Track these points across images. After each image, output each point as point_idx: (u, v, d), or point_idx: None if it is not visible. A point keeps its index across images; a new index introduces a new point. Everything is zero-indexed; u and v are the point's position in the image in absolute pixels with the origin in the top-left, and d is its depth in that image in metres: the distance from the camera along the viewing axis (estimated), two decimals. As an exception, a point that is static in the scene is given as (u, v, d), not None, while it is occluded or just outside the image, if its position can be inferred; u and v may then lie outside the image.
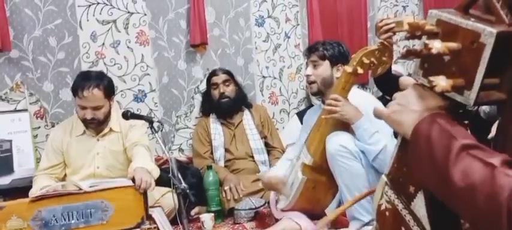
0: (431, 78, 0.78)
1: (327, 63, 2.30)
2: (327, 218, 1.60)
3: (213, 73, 3.19)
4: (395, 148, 0.90)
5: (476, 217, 0.69)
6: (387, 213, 0.91)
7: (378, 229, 0.95)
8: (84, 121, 2.48)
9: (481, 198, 0.67)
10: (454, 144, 0.73)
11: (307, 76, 2.34)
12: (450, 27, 0.79)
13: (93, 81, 2.45)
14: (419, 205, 0.85)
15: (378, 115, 0.90)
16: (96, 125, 2.50)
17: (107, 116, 2.53)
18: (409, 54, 0.83)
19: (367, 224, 1.98)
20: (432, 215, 0.84)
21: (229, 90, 3.14)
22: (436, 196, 0.78)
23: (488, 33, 0.72)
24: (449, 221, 0.85)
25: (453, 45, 0.76)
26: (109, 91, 2.51)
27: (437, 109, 0.81)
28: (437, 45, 0.76)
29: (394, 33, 2.03)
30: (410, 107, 0.83)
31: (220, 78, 3.14)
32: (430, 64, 0.83)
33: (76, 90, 2.44)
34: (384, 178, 0.92)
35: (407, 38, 0.84)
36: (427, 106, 0.82)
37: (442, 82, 0.76)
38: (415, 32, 0.82)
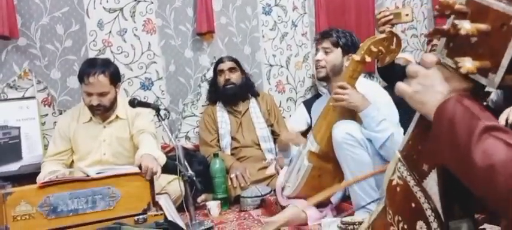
0: (457, 59, 0.77)
1: (339, 50, 2.28)
2: (323, 194, 1.60)
3: (220, 60, 3.20)
4: (412, 125, 0.90)
5: (496, 198, 0.69)
6: (398, 189, 0.92)
7: (386, 204, 0.95)
8: (90, 107, 2.49)
9: (501, 179, 0.67)
10: (477, 125, 0.72)
11: (318, 61, 2.31)
12: (481, 7, 0.77)
13: (98, 67, 2.45)
14: (431, 183, 0.85)
15: (400, 93, 0.88)
16: (102, 112, 2.52)
17: (113, 103, 2.54)
18: (436, 33, 0.82)
19: (370, 203, 1.98)
20: (444, 194, 0.84)
21: (235, 77, 3.14)
22: (456, 175, 0.78)
23: None
24: (460, 200, 0.86)
25: (483, 26, 0.75)
26: (115, 78, 2.52)
27: (461, 91, 0.80)
28: (466, 26, 0.74)
29: (393, 25, 2.05)
30: (434, 88, 0.82)
31: (226, 65, 3.15)
32: (455, 44, 0.82)
33: (82, 76, 2.46)
34: (397, 154, 0.93)
35: (435, 17, 0.83)
36: (451, 87, 0.81)
37: (467, 63, 0.75)
38: (444, 11, 0.80)
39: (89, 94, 2.46)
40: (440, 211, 0.84)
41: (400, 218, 0.91)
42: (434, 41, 2.88)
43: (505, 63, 0.73)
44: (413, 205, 0.88)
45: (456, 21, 0.77)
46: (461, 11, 0.79)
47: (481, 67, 0.75)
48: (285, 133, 2.40)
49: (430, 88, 0.82)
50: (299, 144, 2.35)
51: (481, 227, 0.95)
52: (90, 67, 2.46)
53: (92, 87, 2.44)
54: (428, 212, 0.85)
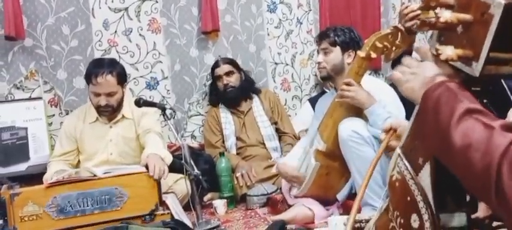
0: (438, 47, 0.81)
1: (337, 49, 2.28)
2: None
3: (215, 65, 3.17)
4: (410, 121, 0.93)
5: (471, 176, 0.70)
6: (397, 184, 0.94)
7: (389, 200, 0.97)
8: (98, 108, 2.50)
9: (476, 156, 0.68)
10: (458, 106, 0.74)
11: (318, 63, 2.32)
12: (465, 0, 0.80)
13: (106, 67, 2.46)
14: (425, 175, 0.87)
15: (394, 80, 0.92)
16: (110, 112, 2.52)
17: (120, 103, 2.54)
18: (423, 26, 0.84)
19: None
20: (435, 185, 0.86)
21: (233, 80, 3.12)
22: (441, 161, 0.79)
23: (497, 4, 0.73)
24: (452, 193, 0.88)
25: (464, 16, 0.78)
26: (122, 77, 2.53)
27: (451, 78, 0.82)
28: (446, 15, 0.78)
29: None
30: (424, 74, 0.85)
31: (222, 69, 3.12)
32: (445, 37, 0.85)
33: (89, 76, 2.46)
34: (397, 150, 0.95)
35: (420, 8, 0.86)
36: (440, 75, 0.83)
37: (448, 51, 0.78)
38: (429, 3, 0.83)
39: (97, 95, 2.47)
40: (431, 203, 0.85)
41: (398, 213, 0.94)
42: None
43: (485, 50, 0.75)
44: (408, 198, 0.90)
45: (437, 11, 0.80)
46: (448, 4, 0.82)
47: (463, 55, 0.78)
48: (282, 167, 2.37)
49: (420, 75, 0.86)
50: (291, 182, 2.32)
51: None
52: (97, 67, 2.47)
53: (100, 87, 2.44)
54: (421, 205, 0.87)
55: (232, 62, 3.18)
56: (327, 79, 2.35)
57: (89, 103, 2.62)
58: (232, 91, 3.10)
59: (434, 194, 0.85)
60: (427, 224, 0.86)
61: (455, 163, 0.73)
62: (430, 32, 0.91)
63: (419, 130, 0.88)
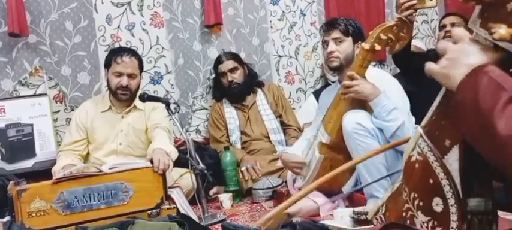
0: (491, 24, 0.76)
1: (350, 39, 2.25)
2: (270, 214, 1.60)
3: (219, 61, 3.14)
4: (436, 101, 0.89)
5: None
6: (417, 165, 0.91)
7: (403, 181, 0.94)
8: (118, 89, 2.53)
9: None
10: (502, 95, 0.71)
11: (330, 53, 2.24)
12: None
13: (129, 51, 2.60)
14: (452, 158, 0.85)
15: (429, 72, 0.87)
16: (127, 97, 2.57)
17: (136, 91, 2.60)
18: (470, 0, 0.80)
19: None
20: (464, 171, 0.83)
21: (237, 76, 3.11)
22: (477, 148, 0.77)
23: None
24: (480, 178, 0.85)
25: None
26: (141, 64, 2.65)
27: (489, 63, 0.79)
28: None
29: (416, 11, 1.96)
30: (460, 61, 0.81)
31: (226, 66, 3.10)
32: (490, 13, 0.80)
33: (112, 58, 2.54)
34: (419, 129, 0.92)
35: None
36: (477, 60, 0.80)
37: (501, 30, 0.75)
38: None
39: (119, 75, 2.52)
40: (459, 187, 0.83)
41: (416, 195, 0.91)
42: (448, 27, 2.85)
43: None
44: (431, 181, 0.87)
45: None
46: None
47: None
48: (285, 156, 2.36)
49: (456, 62, 0.82)
50: (297, 171, 2.32)
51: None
52: (120, 50, 2.59)
53: (124, 66, 2.51)
54: (447, 189, 0.84)
55: (235, 57, 3.16)
56: (338, 69, 2.28)
57: (102, 95, 2.68)
58: (236, 88, 3.10)
59: (462, 178, 0.83)
60: (452, 209, 0.84)
61: (498, 153, 0.71)
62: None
63: (450, 112, 0.84)
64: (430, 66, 0.87)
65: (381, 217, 1.01)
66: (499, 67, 0.78)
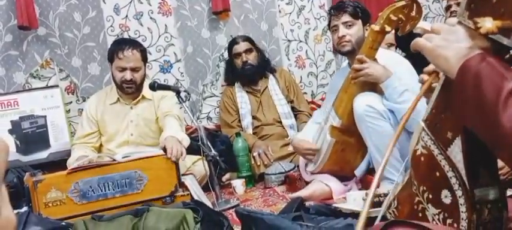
0: (476, 19, 0.75)
1: (359, 22, 2.23)
2: None
3: (234, 42, 3.16)
4: (435, 93, 0.88)
5: None
6: (422, 158, 0.91)
7: (411, 174, 0.95)
8: (123, 83, 2.54)
9: None
10: (505, 85, 0.70)
11: (342, 37, 2.20)
12: None
13: (130, 43, 2.57)
14: (456, 150, 0.84)
15: (419, 47, 0.85)
16: (133, 90, 2.57)
17: (142, 82, 2.60)
18: None
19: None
20: (468, 161, 0.83)
21: (252, 58, 3.11)
22: (479, 136, 0.76)
23: None
24: (485, 167, 0.84)
25: None
26: (144, 54, 2.62)
27: (485, 49, 0.77)
28: None
29: None
30: (457, 42, 0.79)
31: (241, 46, 3.11)
32: (476, 5, 0.79)
33: (114, 52, 2.53)
34: (421, 123, 0.91)
35: None
36: (476, 45, 0.78)
37: (487, 23, 0.74)
38: None
39: (123, 70, 2.51)
40: (465, 178, 0.83)
41: (424, 188, 0.91)
42: (454, 8, 2.81)
43: None
44: (437, 174, 0.87)
45: None
46: None
47: (503, 27, 0.74)
48: (296, 142, 2.36)
49: (453, 43, 0.80)
50: (307, 157, 2.32)
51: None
52: (121, 44, 2.56)
53: (126, 60, 2.50)
54: (453, 181, 0.84)
55: (250, 39, 3.17)
56: (351, 53, 2.26)
57: (110, 86, 2.68)
58: (250, 69, 3.10)
59: (467, 169, 0.82)
60: (461, 201, 0.83)
61: (504, 145, 0.70)
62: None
63: (450, 103, 0.83)
64: (420, 41, 0.85)
65: (394, 211, 1.01)
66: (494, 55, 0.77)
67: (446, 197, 0.86)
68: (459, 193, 0.84)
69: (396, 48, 3.01)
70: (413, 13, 1.94)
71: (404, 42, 2.82)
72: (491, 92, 0.71)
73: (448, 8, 2.89)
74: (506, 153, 0.71)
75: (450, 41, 0.80)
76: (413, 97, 2.06)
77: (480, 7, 0.78)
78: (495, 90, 0.70)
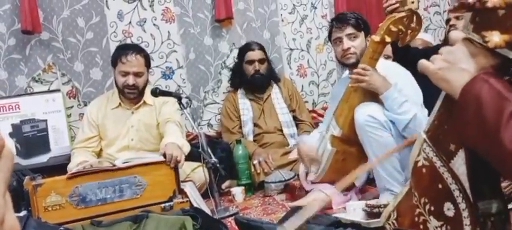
0: (484, 33, 0.75)
1: (362, 34, 2.24)
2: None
3: (248, 48, 3.13)
4: (437, 104, 0.88)
5: None
6: (424, 170, 0.90)
7: (412, 186, 0.94)
8: (125, 88, 2.54)
9: None
10: (505, 106, 0.70)
11: (347, 49, 2.21)
12: None
13: (134, 48, 2.58)
14: (459, 163, 0.83)
15: (423, 70, 0.85)
16: (135, 95, 2.58)
17: (144, 87, 2.61)
18: (461, 8, 0.78)
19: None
20: (472, 174, 0.82)
21: (264, 68, 3.11)
22: (481, 155, 0.76)
23: None
24: (488, 180, 0.84)
25: None
26: (148, 60, 2.64)
27: (488, 68, 0.77)
28: None
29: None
30: (459, 65, 0.79)
31: (256, 54, 3.10)
32: (482, 18, 0.78)
33: (118, 57, 2.54)
34: (422, 134, 0.90)
35: None
36: (477, 65, 0.78)
37: (495, 37, 0.73)
38: None
39: (125, 74, 2.52)
40: (468, 191, 0.82)
41: (426, 200, 0.90)
42: (453, 21, 2.81)
43: None
44: (440, 186, 0.86)
45: None
46: None
47: (510, 41, 0.73)
48: (302, 145, 2.36)
49: (454, 66, 0.80)
50: (307, 162, 2.31)
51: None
52: (125, 49, 2.57)
53: (130, 65, 2.51)
54: (456, 193, 0.84)
55: (264, 49, 3.17)
56: (356, 65, 2.25)
57: (112, 91, 2.68)
58: (260, 79, 3.10)
59: (471, 182, 0.82)
60: (464, 214, 0.82)
61: (506, 166, 0.70)
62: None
63: (453, 119, 0.82)
64: (425, 64, 0.85)
65: (393, 223, 1.00)
66: (496, 73, 0.76)
67: (449, 210, 0.85)
68: (463, 206, 0.83)
69: (393, 60, 3.01)
70: (414, 24, 1.95)
71: (400, 54, 2.81)
72: (492, 114, 0.71)
73: (448, 21, 2.89)
74: (509, 173, 0.71)
75: (450, 62, 0.80)
76: (414, 108, 2.06)
77: (486, 20, 0.77)
78: (496, 112, 0.71)
